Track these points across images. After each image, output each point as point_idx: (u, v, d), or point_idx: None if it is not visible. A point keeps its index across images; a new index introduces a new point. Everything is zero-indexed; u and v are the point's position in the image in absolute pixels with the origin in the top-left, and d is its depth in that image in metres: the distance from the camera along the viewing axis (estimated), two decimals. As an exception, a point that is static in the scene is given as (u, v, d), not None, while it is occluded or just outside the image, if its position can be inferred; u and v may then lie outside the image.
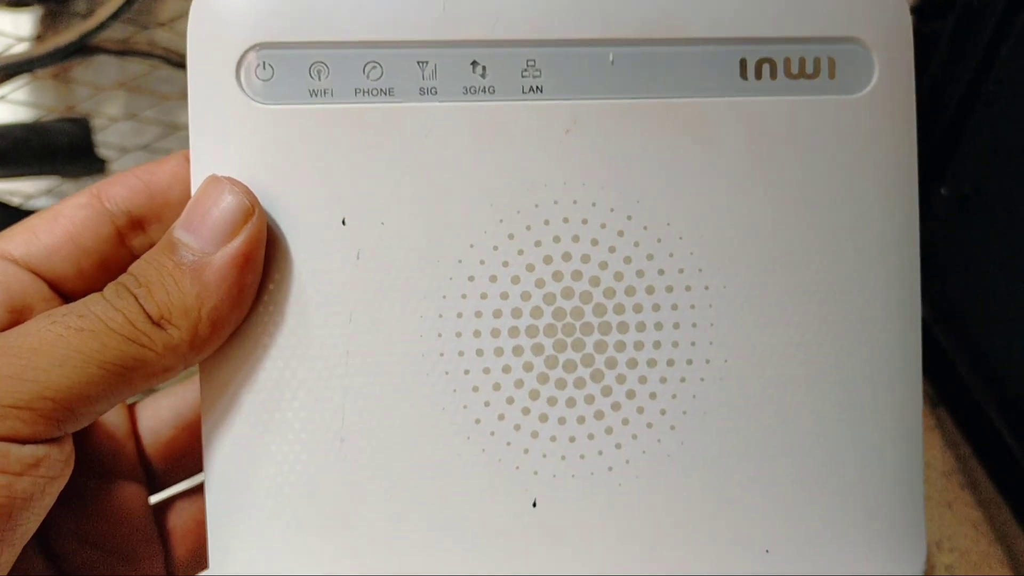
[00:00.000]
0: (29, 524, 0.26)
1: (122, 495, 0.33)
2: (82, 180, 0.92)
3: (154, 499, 0.36)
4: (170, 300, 0.27)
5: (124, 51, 0.72)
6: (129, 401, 0.35)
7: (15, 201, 0.78)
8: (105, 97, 0.89)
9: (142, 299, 0.27)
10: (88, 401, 0.26)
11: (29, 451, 0.25)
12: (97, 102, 0.88)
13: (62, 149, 0.76)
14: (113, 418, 0.34)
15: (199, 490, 0.36)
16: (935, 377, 0.85)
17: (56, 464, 0.26)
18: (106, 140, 0.81)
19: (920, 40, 0.75)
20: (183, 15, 0.75)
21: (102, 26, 0.66)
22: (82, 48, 0.68)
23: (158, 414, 0.35)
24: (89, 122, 0.79)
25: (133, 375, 0.27)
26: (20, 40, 0.72)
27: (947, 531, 0.72)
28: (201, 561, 0.35)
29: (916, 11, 0.73)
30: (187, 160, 0.31)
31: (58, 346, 0.25)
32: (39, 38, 0.73)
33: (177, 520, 0.35)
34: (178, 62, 0.74)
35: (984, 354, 0.77)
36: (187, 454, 0.35)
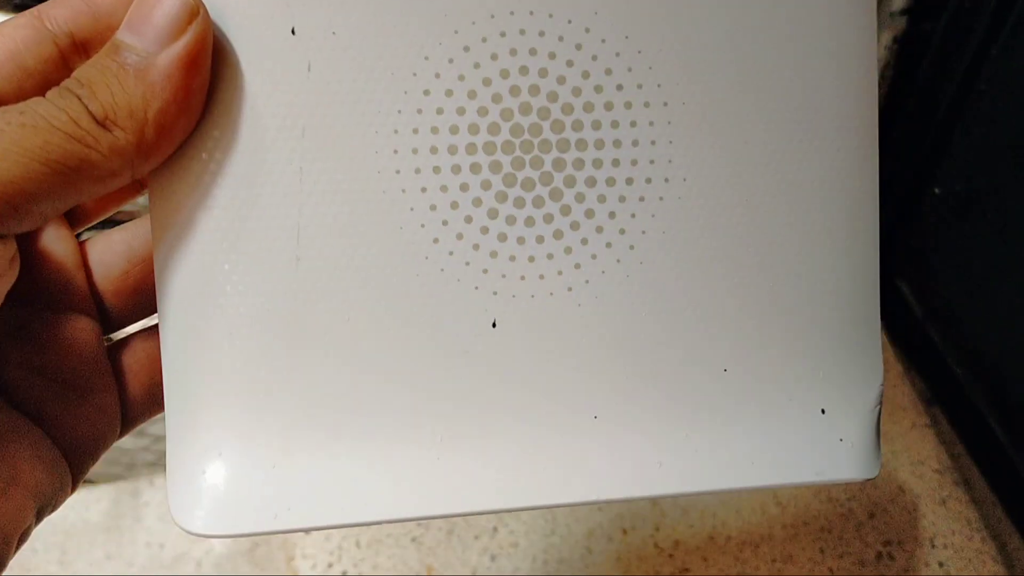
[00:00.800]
0: None
1: (72, 327, 0.33)
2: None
3: (112, 337, 0.35)
4: (115, 101, 0.27)
5: None
6: (82, 239, 0.35)
7: None
8: None
9: (85, 99, 0.27)
10: (30, 198, 0.25)
11: None
12: None
13: None
14: (62, 249, 0.34)
15: (154, 330, 0.35)
16: (929, 376, 0.88)
17: (5, 256, 0.26)
18: None
19: (912, 40, 0.76)
20: None
21: None
22: None
23: (110, 247, 0.35)
24: None
25: (77, 176, 0.26)
26: None
27: (941, 528, 0.74)
28: (158, 399, 0.34)
29: (907, 12, 0.75)
30: None
31: (4, 141, 0.25)
32: None
33: (132, 357, 0.35)
34: None
35: (978, 352, 0.80)
36: (140, 291, 0.35)
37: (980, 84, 0.72)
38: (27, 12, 0.30)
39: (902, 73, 0.80)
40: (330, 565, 0.70)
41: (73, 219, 0.35)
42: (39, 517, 0.30)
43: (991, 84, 0.71)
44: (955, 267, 0.81)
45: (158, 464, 0.76)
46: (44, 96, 0.27)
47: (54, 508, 0.31)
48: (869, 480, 0.33)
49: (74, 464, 0.32)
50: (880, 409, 0.34)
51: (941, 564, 0.72)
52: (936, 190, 0.81)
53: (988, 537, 0.74)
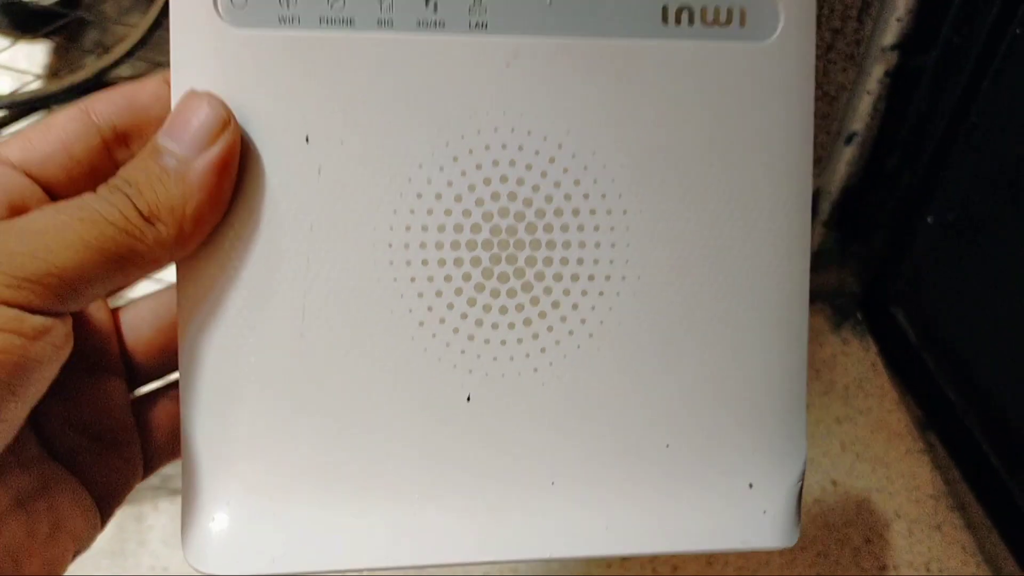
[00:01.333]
0: (39, 385, 0.29)
1: (105, 386, 0.37)
2: None
3: (136, 392, 0.40)
4: (158, 199, 0.31)
5: None
6: (113, 306, 0.39)
7: None
8: None
9: (133, 197, 0.31)
10: (87, 282, 0.29)
11: (39, 320, 0.28)
12: None
13: None
14: (99, 318, 0.38)
15: (173, 386, 0.39)
16: (924, 400, 0.88)
17: (60, 335, 0.29)
18: None
19: (904, 75, 0.79)
20: None
21: (117, 63, 0.69)
22: (98, 84, 0.70)
23: (138, 315, 0.39)
24: None
25: (126, 263, 0.30)
26: (36, 77, 0.74)
27: (936, 553, 0.74)
28: (175, 449, 0.38)
29: (899, 47, 0.76)
30: (166, 82, 0.35)
31: (64, 232, 0.29)
32: (54, 74, 0.74)
33: (153, 412, 0.39)
34: None
35: (972, 378, 0.80)
36: (164, 353, 0.39)
37: (972, 117, 0.73)
38: (74, 106, 0.35)
39: (894, 106, 0.81)
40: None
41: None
42: (73, 558, 0.34)
43: (982, 117, 0.72)
44: (949, 294, 0.82)
45: (162, 488, 0.78)
46: (95, 191, 0.31)
47: (86, 549, 0.35)
48: (787, 548, 0.38)
49: (103, 509, 0.36)
50: (801, 484, 0.38)
51: None
52: (929, 219, 0.82)
53: (983, 562, 0.74)
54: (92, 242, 0.29)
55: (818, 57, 0.75)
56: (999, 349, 0.76)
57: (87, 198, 0.31)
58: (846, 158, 0.86)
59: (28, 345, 0.28)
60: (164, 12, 0.68)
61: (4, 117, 0.71)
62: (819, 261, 0.97)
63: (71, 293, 0.29)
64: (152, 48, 0.73)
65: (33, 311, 0.28)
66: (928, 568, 0.73)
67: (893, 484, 0.79)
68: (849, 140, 0.84)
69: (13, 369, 0.28)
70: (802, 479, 0.38)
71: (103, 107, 0.35)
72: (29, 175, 0.33)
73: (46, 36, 0.99)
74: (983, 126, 0.72)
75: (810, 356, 0.88)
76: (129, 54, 0.69)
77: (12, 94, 0.68)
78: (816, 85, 0.72)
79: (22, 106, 0.68)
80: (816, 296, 0.96)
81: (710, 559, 0.73)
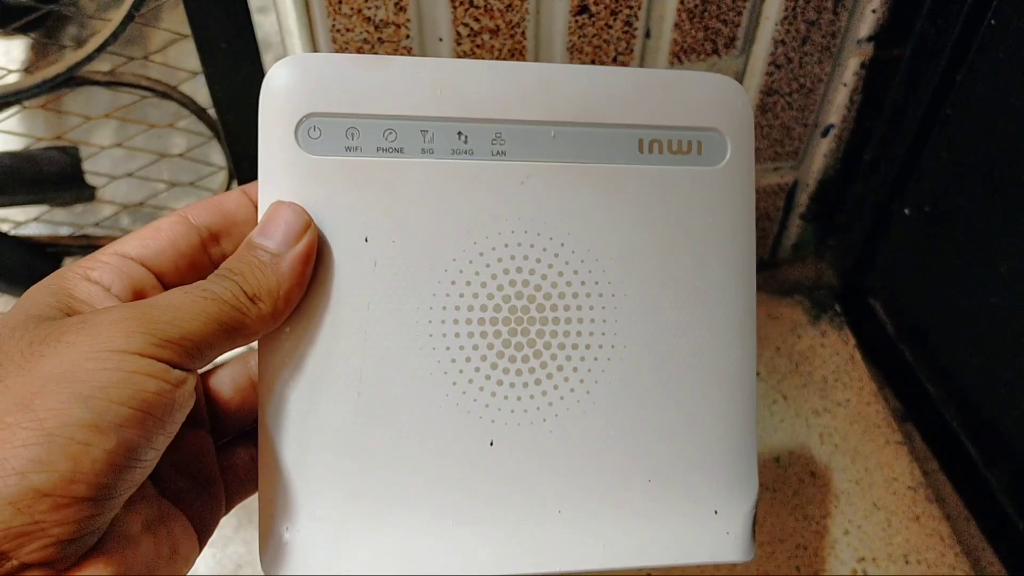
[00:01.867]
0: (176, 426, 0.37)
1: (199, 438, 0.45)
2: (71, 208, 0.97)
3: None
4: (259, 284, 0.40)
5: (112, 82, 0.78)
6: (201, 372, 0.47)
7: (4, 228, 0.83)
8: (93, 126, 0.94)
9: (240, 283, 0.39)
10: (209, 346, 0.38)
11: (179, 373, 0.36)
12: (85, 131, 0.93)
13: (52, 177, 0.82)
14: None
15: (246, 436, 0.47)
16: (902, 392, 0.88)
17: (191, 386, 0.37)
18: (94, 168, 0.85)
19: (880, 66, 0.82)
20: (167, 46, 0.80)
21: (90, 57, 0.72)
22: (71, 79, 0.73)
23: (220, 380, 0.47)
24: (78, 150, 0.84)
25: (235, 333, 0.39)
26: (10, 71, 0.76)
27: (914, 544, 0.75)
28: (247, 489, 0.47)
29: (874, 39, 0.77)
30: (245, 193, 0.45)
31: (194, 307, 0.37)
32: (28, 69, 0.74)
33: (233, 459, 0.47)
34: (164, 92, 0.79)
35: (949, 370, 0.81)
36: (240, 410, 0.47)
37: (947, 108, 0.74)
38: (176, 213, 0.44)
39: (870, 97, 0.82)
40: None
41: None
42: None
43: (957, 109, 0.73)
44: (926, 285, 0.82)
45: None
46: (207, 278, 0.40)
47: (189, 571, 0.42)
48: (746, 562, 0.47)
49: (201, 538, 0.43)
50: (755, 512, 0.48)
51: None
52: (906, 210, 0.82)
53: (961, 553, 0.74)
54: (214, 315, 0.38)
55: (794, 49, 0.75)
56: (976, 341, 0.76)
57: (206, 283, 0.39)
58: (823, 150, 0.86)
59: (174, 391, 0.36)
60: (136, 6, 0.70)
61: None
62: (796, 253, 0.97)
63: (198, 353, 0.37)
64: (125, 43, 0.73)
65: (175, 366, 0.36)
66: (906, 559, 0.73)
67: (871, 476, 0.79)
68: (826, 132, 0.84)
69: (165, 408, 0.35)
70: (756, 506, 0.48)
71: (199, 213, 0.44)
72: (145, 266, 0.42)
73: (23, 32, 1.00)
74: (958, 118, 0.73)
75: (788, 348, 0.90)
76: (102, 48, 0.71)
77: None
78: (792, 78, 0.76)
79: None
80: (794, 289, 0.97)
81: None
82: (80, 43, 0.73)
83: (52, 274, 0.40)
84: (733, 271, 0.47)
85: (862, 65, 0.79)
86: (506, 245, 0.44)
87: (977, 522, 0.78)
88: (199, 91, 0.81)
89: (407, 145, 0.43)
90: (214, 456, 0.45)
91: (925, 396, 0.84)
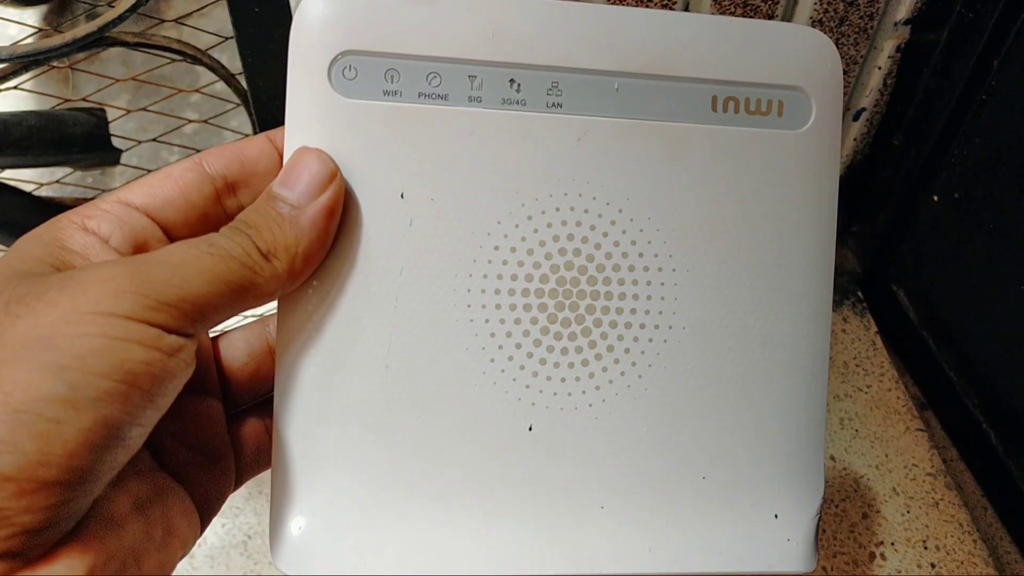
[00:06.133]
0: (169, 397, 0.33)
1: (207, 407, 0.41)
2: (95, 170, 0.93)
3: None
4: (275, 239, 0.36)
5: (142, 43, 0.75)
6: (212, 335, 0.43)
7: (27, 188, 0.80)
8: (114, 89, 0.89)
9: (254, 237, 0.35)
10: (213, 308, 0.34)
11: (175, 339, 0.32)
12: (109, 94, 0.89)
13: (77, 139, 0.78)
14: (202, 345, 0.42)
15: (261, 406, 0.44)
16: (923, 380, 0.88)
17: (189, 354, 0.33)
18: (120, 131, 0.82)
19: (915, 50, 0.79)
20: (192, 11, 0.77)
21: (121, 18, 0.69)
22: (100, 39, 0.71)
23: (233, 344, 0.43)
24: (105, 113, 0.80)
25: (245, 294, 0.35)
26: (35, 31, 0.73)
27: (933, 530, 0.74)
28: (260, 464, 0.43)
29: (911, 22, 0.76)
30: (269, 140, 0.40)
31: (196, 264, 0.33)
32: (54, 30, 0.74)
33: (245, 430, 0.43)
34: (194, 56, 0.76)
35: (972, 358, 0.81)
36: (254, 378, 0.43)
37: (981, 94, 0.73)
38: (190, 159, 0.39)
39: (904, 81, 0.81)
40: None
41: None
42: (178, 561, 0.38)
43: (992, 95, 0.72)
44: (951, 274, 0.82)
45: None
46: (220, 231, 0.36)
47: (187, 554, 0.38)
48: (807, 573, 0.42)
49: (203, 517, 0.40)
50: (820, 517, 0.43)
51: (933, 565, 0.72)
52: (935, 197, 0.81)
53: (980, 540, 0.74)
54: (220, 274, 0.34)
55: (831, 30, 0.74)
56: (1000, 330, 0.76)
57: (214, 237, 0.35)
58: (853, 134, 0.85)
59: (166, 360, 0.32)
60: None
61: (3, 70, 0.71)
62: None
63: (200, 317, 0.33)
64: (158, 8, 0.72)
65: (169, 331, 0.32)
66: (925, 544, 0.73)
67: (891, 461, 0.79)
68: (857, 116, 0.83)
69: (154, 380, 0.31)
70: (820, 512, 0.43)
71: (215, 160, 0.39)
72: (150, 217, 0.38)
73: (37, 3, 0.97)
74: (993, 103, 0.72)
75: None
76: (133, 8, 0.69)
77: (13, 46, 0.68)
78: None
79: (23, 59, 0.68)
80: None
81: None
82: (94, 7, 0.71)
83: (47, 222, 0.36)
84: (810, 250, 0.42)
85: (898, 48, 0.78)
86: (557, 209, 0.40)
87: (995, 509, 0.79)
88: (225, 57, 0.78)
89: (452, 91, 0.39)
90: (224, 426, 0.42)
91: (947, 384, 0.84)
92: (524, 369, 0.40)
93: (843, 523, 0.75)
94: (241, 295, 0.35)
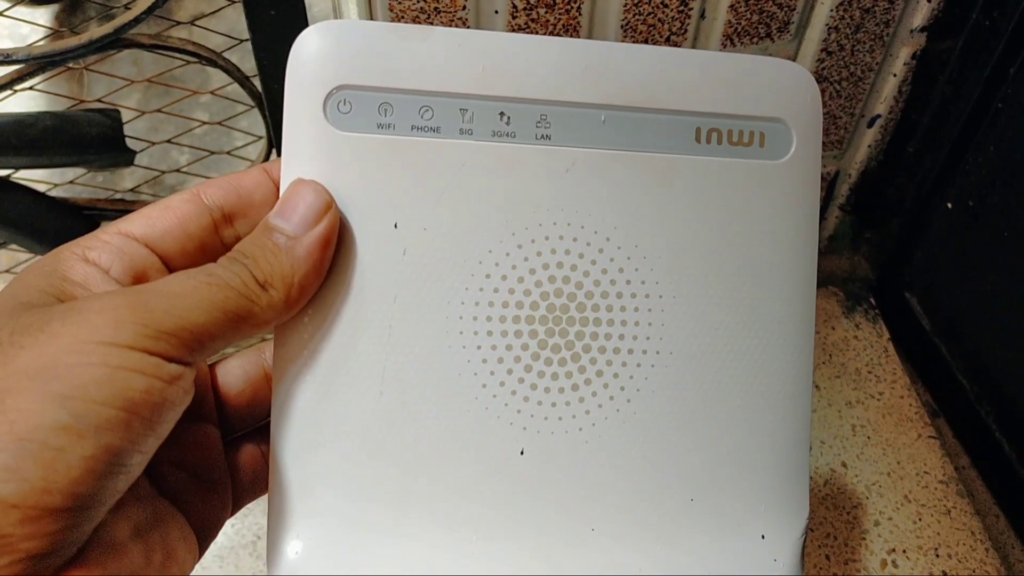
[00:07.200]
0: (169, 424, 0.34)
1: (204, 433, 0.42)
2: (109, 171, 0.93)
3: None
4: (272, 269, 0.36)
5: (157, 45, 0.75)
6: (209, 362, 0.44)
7: (41, 188, 0.81)
8: (125, 90, 0.89)
9: (251, 267, 0.36)
10: (212, 338, 0.34)
11: (174, 367, 0.33)
12: (118, 95, 0.88)
13: (93, 140, 0.78)
14: (200, 373, 0.43)
15: (257, 432, 0.44)
16: (936, 387, 0.89)
17: (188, 382, 0.34)
18: (133, 133, 0.83)
19: (930, 57, 0.81)
20: (206, 13, 0.78)
21: (137, 20, 0.70)
22: (116, 40, 0.71)
23: (230, 371, 0.44)
24: (119, 114, 0.80)
25: (243, 323, 0.35)
26: (49, 32, 0.73)
27: (945, 537, 0.75)
28: (257, 489, 0.44)
29: (927, 29, 0.77)
30: (265, 172, 0.41)
31: (195, 294, 0.34)
32: (68, 32, 0.74)
33: (242, 456, 0.44)
34: (209, 58, 0.77)
35: (984, 365, 0.81)
36: (251, 405, 0.44)
37: (996, 102, 0.74)
38: (187, 191, 0.40)
39: (919, 89, 0.81)
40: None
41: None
42: None
43: (1008, 103, 0.73)
44: (964, 281, 0.82)
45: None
46: (216, 262, 0.36)
47: None
48: None
49: (201, 542, 0.40)
50: (805, 538, 0.44)
51: (945, 574, 0.73)
52: (948, 205, 0.82)
53: (991, 548, 0.74)
54: (218, 303, 0.34)
55: (846, 37, 0.74)
56: (1014, 337, 0.76)
57: (212, 267, 0.36)
58: (867, 141, 0.85)
59: (166, 388, 0.32)
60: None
61: (20, 71, 0.71)
62: (832, 245, 0.96)
63: (199, 346, 0.34)
64: (169, 9, 0.71)
65: (169, 360, 0.33)
66: (936, 552, 0.74)
67: (903, 468, 0.80)
68: (872, 123, 0.84)
69: (154, 408, 0.32)
70: (805, 533, 0.44)
71: (212, 191, 0.40)
72: (149, 247, 0.38)
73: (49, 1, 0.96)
74: (1009, 111, 0.72)
75: (822, 339, 0.90)
76: (149, 10, 0.69)
77: (29, 47, 0.68)
78: (843, 66, 0.75)
79: (39, 60, 0.68)
80: (828, 280, 0.95)
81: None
82: (107, 9, 0.71)
83: (48, 254, 0.37)
84: (792, 276, 0.43)
85: (913, 56, 0.79)
86: (547, 238, 0.40)
87: (1007, 517, 0.79)
88: (235, 59, 0.79)
89: (444, 124, 0.40)
90: (222, 453, 0.43)
91: (959, 391, 0.84)
92: (516, 394, 0.41)
93: (854, 530, 0.75)
94: (239, 324, 0.35)
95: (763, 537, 0.43)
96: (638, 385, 0.42)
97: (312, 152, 0.39)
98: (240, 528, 0.76)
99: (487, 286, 0.40)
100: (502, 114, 0.40)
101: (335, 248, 0.39)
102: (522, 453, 0.41)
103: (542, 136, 0.40)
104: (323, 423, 0.40)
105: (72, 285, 0.36)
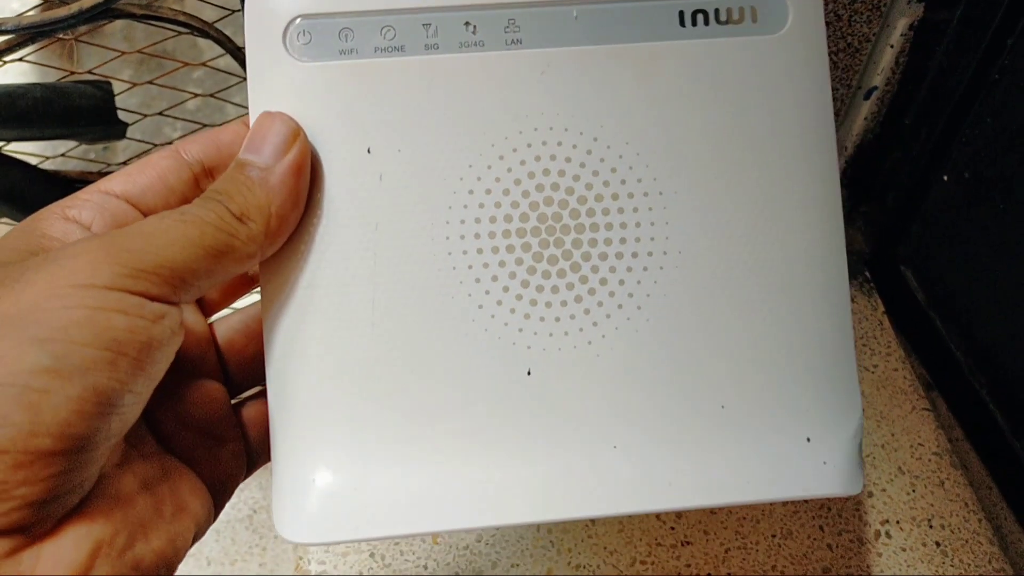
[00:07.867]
0: (160, 365, 0.33)
1: (208, 389, 0.41)
2: (101, 146, 0.93)
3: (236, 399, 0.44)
4: (247, 202, 0.36)
5: (149, 15, 0.73)
6: (210, 321, 0.44)
7: (33, 161, 0.81)
8: (116, 63, 0.89)
9: (226, 203, 0.35)
10: (194, 274, 0.34)
11: (158, 306, 0.32)
12: (110, 68, 0.88)
13: (84, 112, 0.78)
14: (198, 329, 0.42)
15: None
16: (930, 360, 0.88)
17: (175, 321, 0.33)
18: (124, 105, 0.82)
19: (927, 28, 0.78)
20: None
21: None
22: (107, 11, 0.69)
23: (231, 327, 0.44)
24: (111, 86, 0.80)
25: (224, 257, 0.35)
26: (40, 3, 0.71)
27: (938, 508, 0.74)
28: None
29: (924, 0, 0.75)
30: (245, 125, 0.40)
31: (169, 232, 0.34)
32: (59, 1, 0.74)
33: (251, 413, 0.43)
34: (201, 29, 0.76)
35: (979, 338, 0.80)
36: (256, 360, 0.43)
37: (994, 73, 0.71)
38: (168, 147, 0.40)
39: (916, 60, 0.79)
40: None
41: (203, 309, 0.44)
42: (193, 541, 0.37)
43: (1005, 74, 0.70)
44: (960, 254, 0.81)
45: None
46: (192, 203, 0.36)
47: (202, 535, 0.38)
48: (853, 495, 0.40)
49: (216, 499, 0.39)
50: (860, 437, 0.40)
51: (938, 544, 0.72)
52: (945, 177, 0.80)
53: (984, 519, 0.74)
54: (195, 239, 0.34)
55: (844, 7, 0.73)
56: (1009, 311, 0.75)
57: (186, 207, 0.35)
58: (864, 113, 0.84)
59: (151, 327, 0.32)
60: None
61: (8, 41, 0.69)
62: None
63: (181, 283, 0.33)
64: None
65: (152, 299, 0.32)
66: (930, 523, 0.73)
67: (897, 440, 0.78)
68: (868, 95, 0.82)
69: (141, 348, 0.31)
70: (860, 433, 0.40)
71: (192, 147, 0.40)
72: (130, 203, 0.38)
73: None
74: (1006, 82, 0.70)
75: None
76: None
77: (19, 17, 0.66)
78: (840, 37, 0.73)
79: (28, 30, 0.66)
80: None
81: (714, 509, 0.71)
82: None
83: (30, 216, 0.37)
84: (809, 156, 0.40)
85: (911, 26, 0.77)
86: (529, 145, 0.38)
87: (1000, 489, 0.78)
88: (234, 33, 0.78)
89: (408, 42, 0.38)
90: (228, 408, 0.42)
91: (954, 364, 0.83)
92: (515, 312, 0.39)
93: (848, 501, 0.75)
94: (220, 259, 0.35)
95: (809, 440, 0.40)
96: (647, 290, 0.39)
97: (277, 86, 0.39)
98: (236, 503, 0.76)
99: (471, 202, 0.39)
100: (467, 24, 0.39)
101: (310, 180, 0.38)
102: (529, 373, 0.39)
103: (512, 41, 0.39)
104: (316, 361, 0.39)
105: (50, 240, 0.36)
